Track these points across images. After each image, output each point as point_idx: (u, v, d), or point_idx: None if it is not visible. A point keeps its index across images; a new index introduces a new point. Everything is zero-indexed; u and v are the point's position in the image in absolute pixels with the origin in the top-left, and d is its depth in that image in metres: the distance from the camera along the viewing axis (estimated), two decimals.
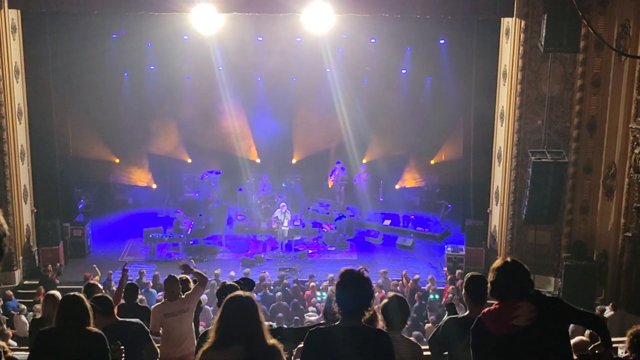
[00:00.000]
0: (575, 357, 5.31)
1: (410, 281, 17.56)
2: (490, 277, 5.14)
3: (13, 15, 17.69)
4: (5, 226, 2.75)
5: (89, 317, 5.80)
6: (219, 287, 8.27)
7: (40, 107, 19.16)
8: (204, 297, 15.34)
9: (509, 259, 5.11)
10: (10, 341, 12.64)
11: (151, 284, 17.60)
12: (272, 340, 4.66)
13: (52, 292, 8.77)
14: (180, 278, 9.53)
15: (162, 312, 9.06)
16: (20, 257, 18.58)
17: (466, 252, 19.60)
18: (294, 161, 25.86)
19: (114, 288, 13.17)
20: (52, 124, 19.86)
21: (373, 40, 22.95)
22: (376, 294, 16.35)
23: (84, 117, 22.38)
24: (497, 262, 5.13)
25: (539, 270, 16.84)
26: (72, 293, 6.01)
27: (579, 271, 16.57)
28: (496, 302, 5.04)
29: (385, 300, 6.50)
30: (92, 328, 5.82)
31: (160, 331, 9.01)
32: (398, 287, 17.32)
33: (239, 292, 4.87)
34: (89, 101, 22.33)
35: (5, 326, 14.14)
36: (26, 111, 18.68)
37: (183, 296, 9.21)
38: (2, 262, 2.65)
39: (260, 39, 23.09)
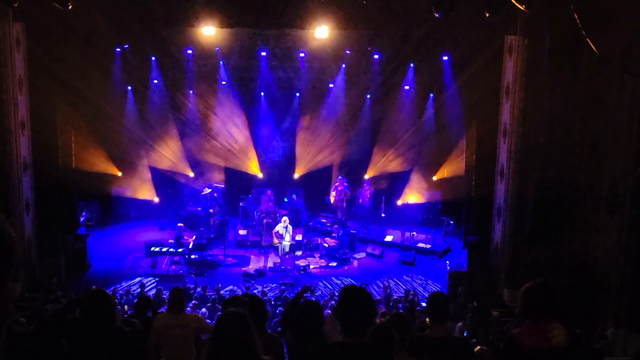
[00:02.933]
0: None
1: (410, 297, 17.53)
2: (524, 298, 5.11)
3: (17, 29, 17.75)
4: (13, 233, 2.74)
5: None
6: (226, 299, 8.17)
7: (43, 119, 19.18)
8: (204, 310, 15.34)
9: (540, 280, 5.09)
10: None
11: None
12: (266, 357, 4.65)
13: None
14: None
15: (162, 324, 8.91)
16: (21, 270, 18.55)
17: (468, 269, 19.55)
18: (296, 176, 25.87)
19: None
20: (56, 136, 19.89)
21: (376, 56, 22.99)
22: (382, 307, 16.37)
23: (87, 130, 22.40)
24: (529, 284, 5.11)
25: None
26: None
27: (580, 289, 16.51)
28: (529, 323, 5.02)
29: (383, 320, 6.49)
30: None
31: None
32: (399, 304, 17.28)
33: (232, 309, 4.88)
34: (92, 114, 22.35)
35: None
36: (29, 123, 18.71)
37: (189, 313, 9.04)
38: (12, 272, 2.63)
39: (263, 53, 23.15)
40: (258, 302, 7.70)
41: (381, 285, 18.66)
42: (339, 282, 20.10)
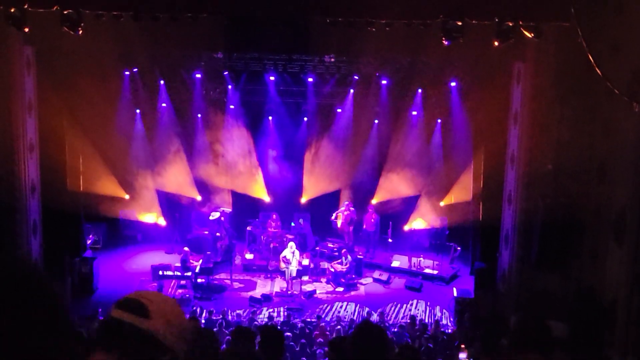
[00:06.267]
0: None
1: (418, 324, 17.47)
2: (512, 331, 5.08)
3: (28, 52, 17.88)
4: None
5: None
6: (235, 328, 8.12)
7: (52, 142, 19.25)
8: None
9: (528, 313, 5.06)
10: None
11: None
12: None
13: None
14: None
15: None
16: None
17: (475, 296, 19.47)
18: (303, 200, 25.87)
19: None
20: (64, 159, 19.94)
21: (384, 82, 23.07)
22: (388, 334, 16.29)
23: (96, 153, 22.46)
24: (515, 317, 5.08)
25: (547, 314, 16.67)
26: None
27: (587, 317, 16.41)
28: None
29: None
30: None
31: None
32: (405, 330, 17.21)
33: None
34: (101, 137, 22.42)
35: None
36: (38, 146, 18.77)
37: None
38: None
39: (272, 78, 23.26)
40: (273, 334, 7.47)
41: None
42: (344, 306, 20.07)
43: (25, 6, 14.48)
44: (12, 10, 14.49)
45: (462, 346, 13.04)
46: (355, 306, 20.10)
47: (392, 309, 20.03)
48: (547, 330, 5.05)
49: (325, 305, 20.37)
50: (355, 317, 19.28)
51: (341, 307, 20.14)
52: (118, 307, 2.67)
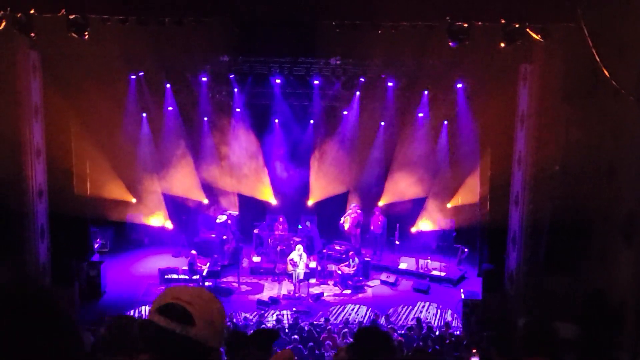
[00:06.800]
0: None
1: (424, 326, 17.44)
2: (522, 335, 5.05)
3: (34, 56, 17.90)
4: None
5: None
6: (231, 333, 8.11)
7: (59, 146, 19.26)
8: None
9: (536, 316, 5.06)
10: None
11: None
12: None
13: None
14: None
15: None
16: None
17: (482, 298, 19.42)
18: (310, 203, 25.85)
19: None
20: (71, 163, 19.95)
21: (390, 83, 23.05)
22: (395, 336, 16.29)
23: (102, 157, 22.47)
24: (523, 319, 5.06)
25: (555, 316, 16.61)
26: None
27: (597, 320, 16.34)
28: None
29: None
30: None
31: None
32: (412, 333, 17.18)
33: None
34: (107, 141, 22.44)
35: None
36: (45, 150, 18.79)
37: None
38: None
39: (278, 81, 23.26)
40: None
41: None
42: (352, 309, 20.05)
43: (32, 11, 14.50)
44: (19, 15, 14.53)
45: (474, 351, 12.99)
46: (367, 310, 20.06)
47: (403, 310, 20.01)
48: (556, 333, 5.02)
49: (337, 307, 20.35)
50: (364, 320, 19.26)
51: (353, 309, 20.12)
52: (160, 312, 2.62)
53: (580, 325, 16.55)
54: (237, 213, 25.46)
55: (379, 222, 24.15)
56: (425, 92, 23.46)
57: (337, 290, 21.59)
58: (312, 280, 21.63)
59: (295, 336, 16.90)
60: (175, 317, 2.59)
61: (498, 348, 6.29)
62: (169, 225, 25.11)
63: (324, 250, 23.80)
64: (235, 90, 24.05)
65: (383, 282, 22.22)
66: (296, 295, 20.92)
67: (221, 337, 2.71)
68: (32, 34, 15.06)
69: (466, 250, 23.28)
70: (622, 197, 16.56)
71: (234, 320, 18.26)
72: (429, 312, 19.96)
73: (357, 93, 23.90)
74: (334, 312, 19.92)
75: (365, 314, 19.80)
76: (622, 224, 16.47)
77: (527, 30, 14.76)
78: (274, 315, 19.30)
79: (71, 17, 14.75)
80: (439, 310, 20.12)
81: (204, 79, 22.98)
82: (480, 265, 21.03)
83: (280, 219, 24.05)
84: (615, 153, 16.71)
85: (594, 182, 16.93)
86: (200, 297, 2.69)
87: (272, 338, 7.02)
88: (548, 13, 14.86)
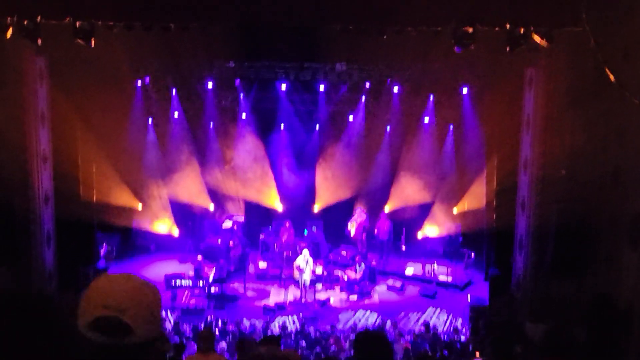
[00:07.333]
0: None
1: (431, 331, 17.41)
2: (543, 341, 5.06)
3: (40, 63, 17.96)
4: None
5: None
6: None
7: (65, 152, 19.30)
8: (222, 345, 15.28)
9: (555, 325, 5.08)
10: None
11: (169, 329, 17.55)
12: None
13: None
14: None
15: None
16: None
17: (489, 302, 19.38)
18: (316, 208, 25.85)
19: None
20: (77, 169, 19.99)
21: (396, 88, 23.05)
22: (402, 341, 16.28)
23: (109, 163, 22.50)
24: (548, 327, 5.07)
25: (562, 321, 16.58)
26: None
27: (603, 324, 16.29)
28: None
29: None
30: None
31: None
32: (419, 338, 17.15)
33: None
34: (114, 147, 22.48)
35: None
36: (51, 156, 18.83)
37: (217, 355, 9.03)
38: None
39: (284, 85, 23.28)
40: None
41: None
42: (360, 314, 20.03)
43: (39, 18, 14.56)
44: (26, 22, 14.58)
45: (477, 353, 12.97)
46: (374, 315, 20.01)
47: (410, 316, 19.96)
48: (574, 339, 5.05)
49: (343, 312, 20.30)
50: (371, 326, 19.22)
51: (360, 315, 20.09)
52: (94, 329, 2.46)
53: (587, 329, 16.56)
54: (243, 219, 25.46)
55: (385, 227, 24.12)
56: (431, 97, 23.45)
57: (343, 295, 21.55)
58: (319, 286, 21.60)
59: (302, 342, 16.91)
60: (111, 332, 2.43)
61: (495, 349, 6.31)
62: (175, 231, 25.11)
63: (330, 256, 23.78)
64: (241, 95, 24.08)
65: (389, 288, 22.19)
66: (303, 301, 20.90)
67: (161, 321, 2.52)
68: (39, 41, 15.10)
69: (473, 255, 23.24)
70: (628, 200, 16.53)
71: (240, 327, 18.24)
72: (439, 319, 19.88)
73: (363, 98, 23.91)
74: (340, 318, 19.87)
75: (374, 320, 19.73)
76: (628, 228, 16.44)
77: (532, 34, 14.75)
78: (280, 321, 19.28)
79: (77, 24, 14.80)
80: (447, 316, 20.07)
81: (210, 84, 23.01)
82: (487, 270, 21.01)
83: (287, 225, 24.05)
84: (621, 157, 16.68)
85: (600, 185, 16.90)
86: (131, 296, 2.52)
87: (277, 342, 7.06)
88: (553, 17, 14.84)
